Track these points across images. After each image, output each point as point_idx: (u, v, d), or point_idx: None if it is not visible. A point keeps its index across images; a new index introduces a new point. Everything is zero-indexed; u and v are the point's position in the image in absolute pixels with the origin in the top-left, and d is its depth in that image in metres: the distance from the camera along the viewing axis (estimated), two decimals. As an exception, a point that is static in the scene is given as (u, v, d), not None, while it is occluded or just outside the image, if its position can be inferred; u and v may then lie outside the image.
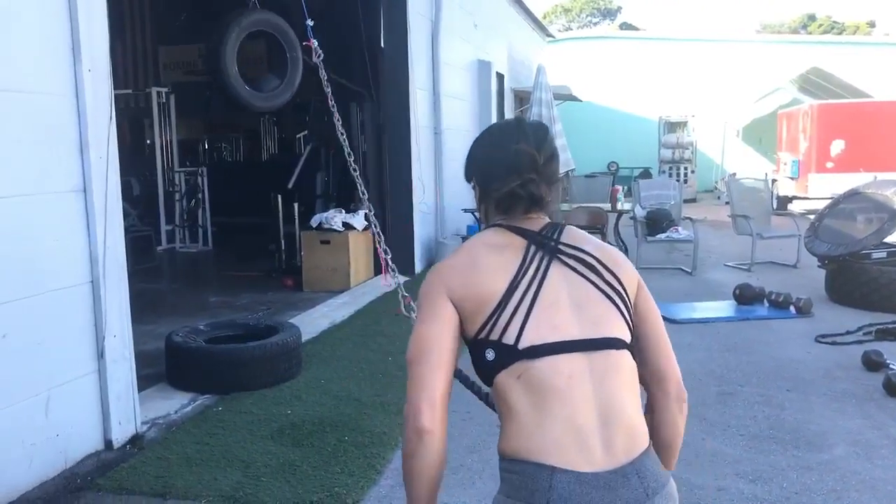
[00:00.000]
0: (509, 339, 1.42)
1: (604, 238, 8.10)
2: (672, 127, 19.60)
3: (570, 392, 1.39)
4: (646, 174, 18.96)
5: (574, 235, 1.57)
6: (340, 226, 7.86)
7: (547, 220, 1.59)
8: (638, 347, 1.55)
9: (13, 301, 3.20)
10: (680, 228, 8.75)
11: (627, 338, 1.48)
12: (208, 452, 3.68)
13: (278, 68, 5.96)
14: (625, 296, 1.52)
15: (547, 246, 1.51)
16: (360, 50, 8.53)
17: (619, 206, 8.69)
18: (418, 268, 8.75)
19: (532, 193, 1.53)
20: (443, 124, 9.37)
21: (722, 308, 6.81)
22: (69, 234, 3.53)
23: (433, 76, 9.24)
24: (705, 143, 20.18)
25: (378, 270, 8.41)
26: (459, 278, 1.49)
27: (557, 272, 1.49)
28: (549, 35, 20.07)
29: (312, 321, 6.35)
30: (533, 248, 1.51)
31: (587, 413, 1.39)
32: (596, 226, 8.31)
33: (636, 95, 21.26)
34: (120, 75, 14.10)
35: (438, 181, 9.41)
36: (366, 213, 8.10)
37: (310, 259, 7.86)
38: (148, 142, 13.21)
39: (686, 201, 17.49)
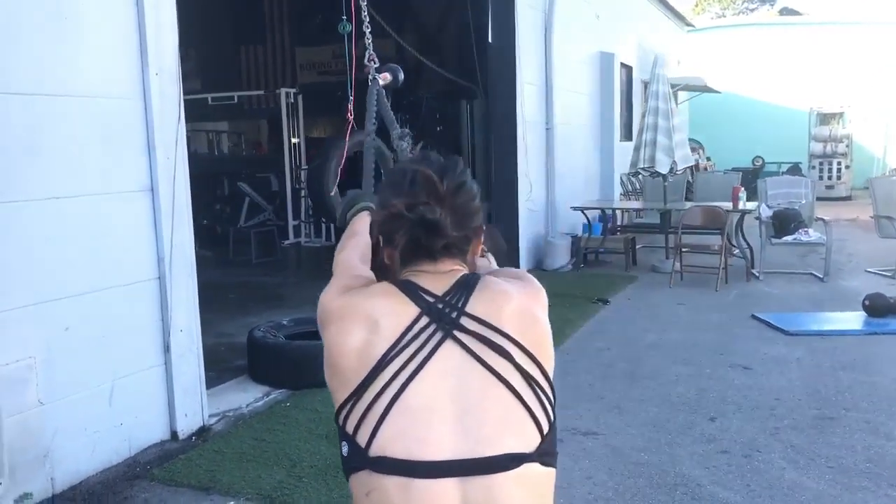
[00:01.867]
0: (361, 439, 1.14)
1: (722, 239, 7.56)
2: (824, 119, 18.08)
3: None
4: (795, 169, 17.60)
5: (489, 297, 1.22)
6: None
7: (463, 272, 1.27)
8: None
9: (77, 295, 3.38)
10: (810, 230, 8.01)
11: (532, 446, 1.15)
12: (262, 449, 3.73)
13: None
14: (541, 380, 1.20)
15: (444, 318, 1.18)
16: (470, 46, 8.48)
17: (740, 206, 8.08)
18: (523, 267, 8.55)
19: (423, 217, 1.20)
20: (555, 119, 9.11)
21: (848, 320, 6.16)
22: (136, 232, 3.69)
23: (545, 70, 8.99)
24: (864, 136, 18.48)
25: (483, 269, 8.32)
26: (346, 308, 1.24)
27: (445, 359, 1.16)
28: (689, 24, 19.08)
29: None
30: (423, 321, 1.18)
31: None
32: (714, 226, 7.77)
33: (784, 85, 19.78)
34: (260, 76, 14.92)
35: (549, 178, 9.16)
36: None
37: (412, 256, 7.88)
38: (295, 141, 13.87)
39: (838, 199, 16.20)
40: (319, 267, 10.38)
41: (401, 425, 1.12)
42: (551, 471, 1.19)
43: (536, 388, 1.19)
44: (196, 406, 4.00)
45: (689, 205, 8.67)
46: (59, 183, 3.30)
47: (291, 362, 4.63)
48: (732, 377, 4.77)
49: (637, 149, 8.66)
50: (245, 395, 4.52)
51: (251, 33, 14.98)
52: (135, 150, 3.66)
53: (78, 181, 3.38)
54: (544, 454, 1.17)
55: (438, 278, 1.25)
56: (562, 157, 9.40)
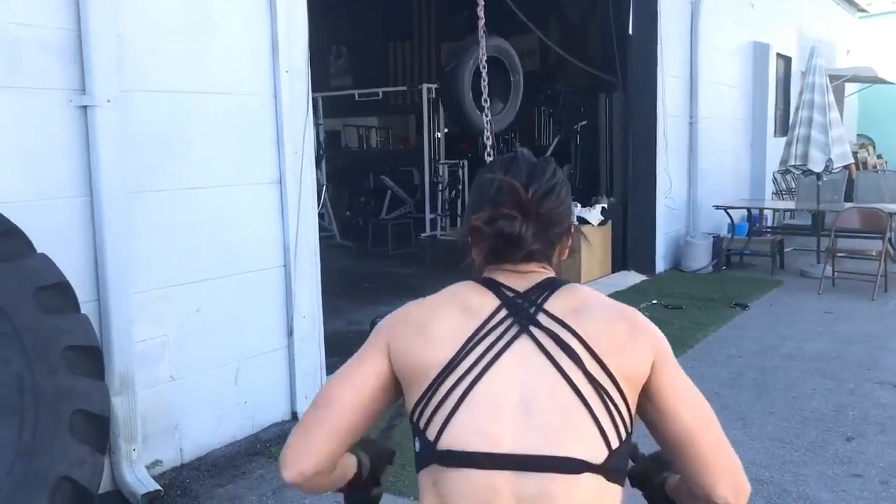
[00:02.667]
0: (431, 433, 1.16)
1: (883, 244, 6.94)
2: None
3: None
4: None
5: (570, 301, 1.22)
6: (574, 220, 7.68)
7: (547, 274, 1.28)
8: (668, 455, 1.25)
9: (208, 280, 3.62)
10: None
11: (598, 457, 1.12)
12: (374, 433, 3.83)
13: (502, 92, 6.16)
14: (614, 395, 1.16)
15: (523, 312, 1.20)
16: (610, 38, 8.26)
17: (905, 208, 7.37)
18: (660, 267, 8.26)
19: (502, 231, 1.20)
20: (700, 113, 8.70)
21: None
22: (264, 221, 3.89)
23: (691, 62, 8.61)
24: None
25: (616, 267, 8.12)
26: (405, 339, 1.24)
27: (518, 353, 1.17)
28: (862, 9, 17.57)
29: (527, 315, 6.29)
30: (502, 314, 1.20)
31: None
32: (873, 230, 7.14)
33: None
34: (407, 72, 15.35)
35: (692, 175, 8.78)
36: (602, 207, 7.89)
37: (542, 252, 7.80)
38: (439, 136, 14.20)
39: None
40: (451, 259, 10.48)
41: (467, 418, 1.14)
42: (617, 488, 1.16)
43: (607, 399, 1.15)
44: (316, 388, 4.16)
45: (847, 206, 8.02)
46: (196, 174, 3.54)
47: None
48: (879, 395, 4.38)
49: (789, 145, 8.11)
50: (365, 382, 4.65)
51: (399, 30, 15.43)
52: (265, 144, 3.86)
53: (212, 173, 3.62)
54: (612, 470, 1.14)
55: (521, 277, 1.27)
56: (706, 154, 8.98)
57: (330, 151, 15.63)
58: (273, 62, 3.85)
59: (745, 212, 8.82)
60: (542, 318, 1.20)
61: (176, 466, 3.50)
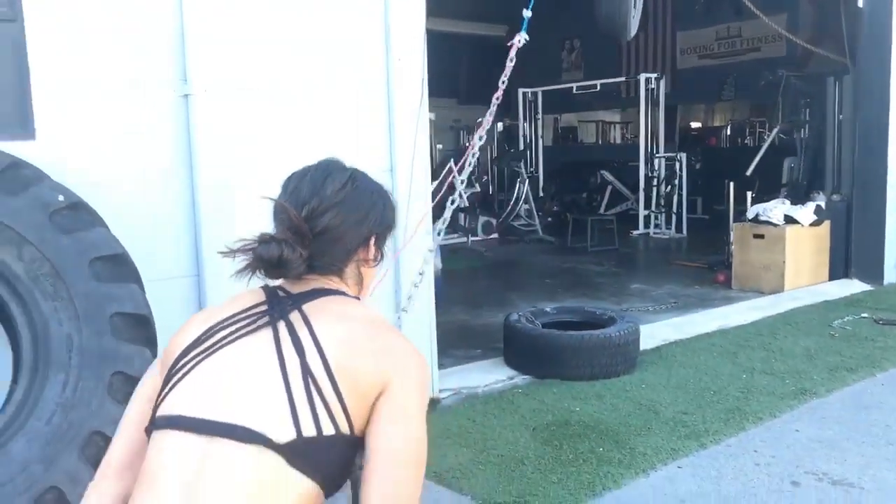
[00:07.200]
0: (157, 404, 1.23)
1: None
2: None
3: (157, 482, 1.15)
4: None
5: (330, 307, 1.25)
6: (781, 219, 6.84)
7: (333, 287, 1.31)
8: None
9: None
10: None
11: (280, 436, 1.11)
12: (465, 429, 3.73)
13: None
14: (324, 387, 1.15)
15: (278, 308, 1.24)
16: (836, 11, 7.24)
17: None
18: (889, 276, 7.06)
19: (260, 256, 1.22)
20: (956, 96, 7.29)
21: None
22: (372, 209, 3.94)
23: (944, 36, 7.24)
24: None
25: (834, 275, 7.11)
26: (171, 341, 1.31)
27: (253, 341, 1.21)
28: None
29: (699, 321, 5.74)
30: (261, 308, 1.25)
31: None
32: None
33: None
34: (640, 62, 14.83)
35: (944, 169, 7.39)
36: (818, 206, 6.95)
37: (741, 254, 7.07)
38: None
39: None
40: (654, 260, 9.88)
41: (190, 385, 1.20)
42: (303, 479, 1.12)
43: (313, 388, 1.15)
44: (427, 388, 4.14)
45: None
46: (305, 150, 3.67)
47: (537, 349, 4.53)
48: None
49: None
50: (488, 376, 4.54)
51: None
52: (376, 131, 3.89)
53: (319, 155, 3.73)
54: (298, 455, 1.12)
55: (300, 284, 1.29)
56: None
57: (555, 147, 15.67)
58: (385, 52, 3.88)
59: None
60: (293, 315, 1.22)
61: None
